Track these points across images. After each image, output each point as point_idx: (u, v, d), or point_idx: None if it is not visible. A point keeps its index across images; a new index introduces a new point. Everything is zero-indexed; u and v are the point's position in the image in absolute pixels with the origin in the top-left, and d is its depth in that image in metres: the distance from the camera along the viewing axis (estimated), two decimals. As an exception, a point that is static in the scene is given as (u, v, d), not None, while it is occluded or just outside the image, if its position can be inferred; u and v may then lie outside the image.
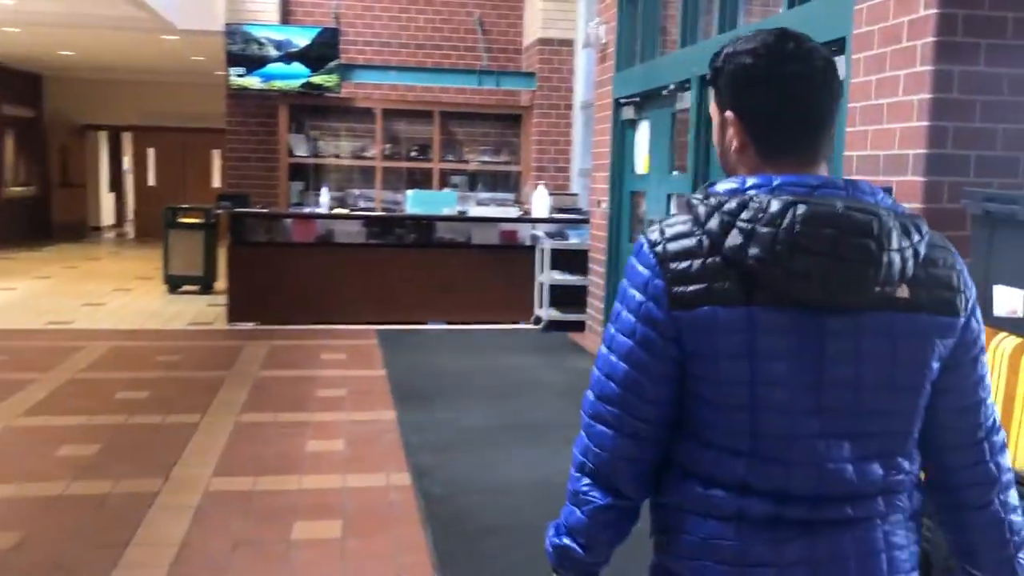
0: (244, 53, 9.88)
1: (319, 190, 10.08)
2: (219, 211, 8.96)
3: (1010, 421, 2.68)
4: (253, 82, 9.95)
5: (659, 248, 1.31)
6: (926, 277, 1.32)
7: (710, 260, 1.28)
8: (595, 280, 8.04)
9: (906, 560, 1.35)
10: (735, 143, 1.39)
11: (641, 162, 7.21)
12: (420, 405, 5.85)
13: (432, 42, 10.85)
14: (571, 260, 8.59)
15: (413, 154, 10.71)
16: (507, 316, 8.92)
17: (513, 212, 8.86)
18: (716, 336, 1.28)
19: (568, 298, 8.69)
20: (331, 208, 9.04)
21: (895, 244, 1.26)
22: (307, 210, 8.79)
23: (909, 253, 1.28)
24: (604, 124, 7.68)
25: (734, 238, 1.26)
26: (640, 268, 1.33)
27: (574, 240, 8.63)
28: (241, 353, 7.31)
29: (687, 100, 5.89)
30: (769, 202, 1.26)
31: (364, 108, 10.56)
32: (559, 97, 10.36)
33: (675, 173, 6.46)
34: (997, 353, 2.73)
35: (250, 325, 8.49)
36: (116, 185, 19.89)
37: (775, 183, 1.30)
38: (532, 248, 8.88)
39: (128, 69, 15.92)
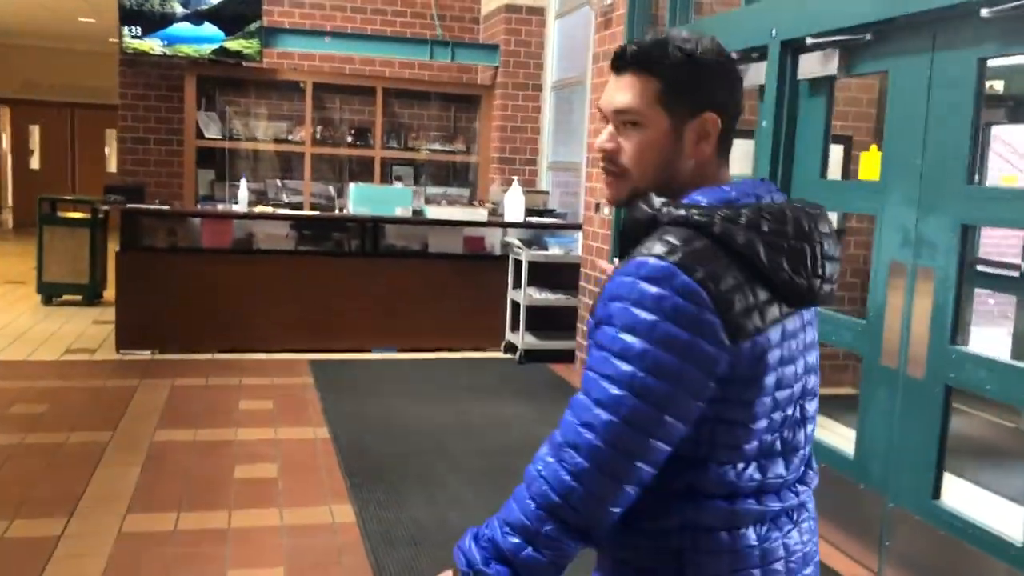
0: (141, 9, 7.94)
1: (235, 181, 8.26)
2: (107, 206, 7.04)
3: None
4: (153, 45, 8.02)
5: (700, 275, 1.21)
6: None
7: (749, 282, 1.24)
8: (589, 302, 6.46)
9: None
10: (705, 148, 1.35)
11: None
12: (384, 493, 4.15)
13: (373, 5, 9.07)
14: (550, 275, 6.99)
15: (349, 139, 8.92)
16: (470, 342, 7.26)
17: (481, 214, 7.19)
18: (766, 358, 1.27)
19: (546, 322, 7.09)
20: (252, 204, 7.21)
21: None
22: (220, 207, 6.94)
23: None
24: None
25: (769, 254, 1.25)
26: (681, 300, 1.20)
27: (555, 250, 7.02)
28: (132, 400, 5.47)
29: (757, 75, 4.33)
30: (783, 212, 1.29)
31: (291, 82, 8.73)
32: (527, 75, 8.71)
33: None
34: None
35: (146, 354, 6.63)
36: (-8, 166, 17.39)
37: (755, 191, 1.34)
38: (501, 259, 7.24)
39: (2, 30, 13.58)
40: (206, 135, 8.42)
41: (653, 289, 1.20)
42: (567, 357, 6.85)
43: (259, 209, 6.95)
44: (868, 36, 3.57)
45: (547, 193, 8.24)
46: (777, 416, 1.31)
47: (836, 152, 6.60)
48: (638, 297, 1.21)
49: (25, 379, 5.86)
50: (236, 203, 6.96)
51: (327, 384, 6.02)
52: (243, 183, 6.86)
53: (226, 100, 8.73)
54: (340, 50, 8.69)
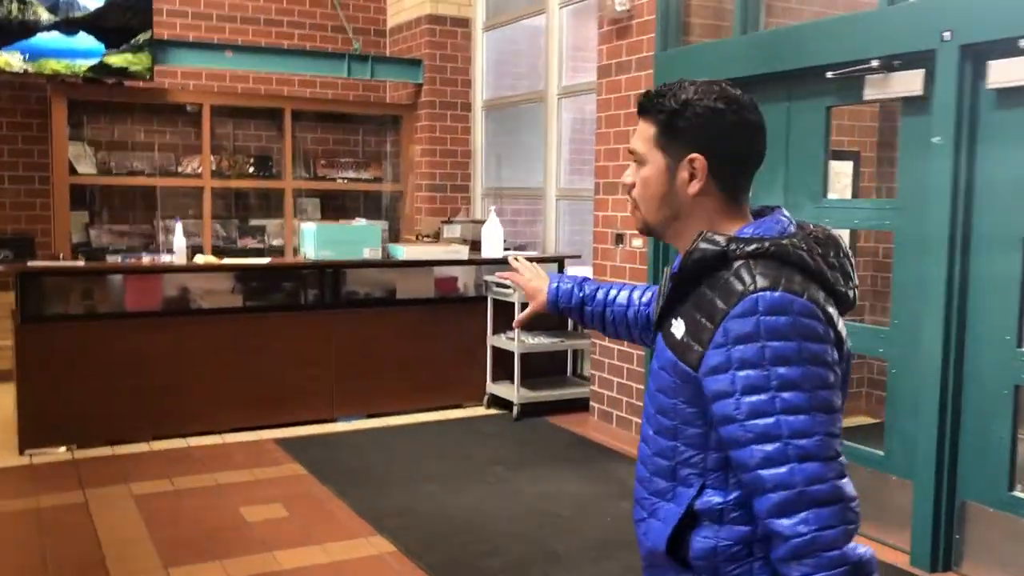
0: (-6, 16, 6.35)
1: (113, 225, 6.90)
2: (-3, 268, 5.49)
3: None
4: (11, 60, 6.43)
5: (807, 296, 1.33)
6: None
7: (828, 300, 1.37)
8: (606, 345, 5.69)
9: None
10: (696, 186, 1.45)
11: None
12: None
13: (267, 16, 7.87)
14: (535, 316, 6.15)
15: (251, 170, 7.65)
16: (449, 399, 6.29)
17: (460, 251, 6.22)
18: (850, 360, 1.45)
19: (533, 370, 6.27)
20: (163, 252, 5.86)
21: None
22: (147, 259, 5.55)
23: None
24: (629, 126, 5.37)
25: (831, 273, 1.38)
26: (807, 320, 1.32)
27: (541, 288, 6.17)
28: (95, 525, 4.12)
29: (906, 84, 3.77)
30: (825, 235, 1.43)
31: (177, 105, 7.35)
32: (455, 93, 7.82)
33: (832, 197, 4.31)
34: None
35: (60, 451, 5.18)
36: None
37: (792, 220, 1.47)
38: (476, 301, 6.32)
39: None
40: (78, 170, 6.90)
41: (782, 318, 1.31)
42: (569, 407, 6.05)
43: (204, 259, 5.62)
44: (1117, 36, 3.09)
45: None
46: None
47: (845, 168, 6.27)
48: (770, 330, 1.30)
49: (-80, 509, 4.32)
50: (163, 253, 5.62)
51: (327, 472, 4.88)
52: (178, 228, 5.50)
53: (99, 127, 7.22)
54: (243, 66, 7.43)
